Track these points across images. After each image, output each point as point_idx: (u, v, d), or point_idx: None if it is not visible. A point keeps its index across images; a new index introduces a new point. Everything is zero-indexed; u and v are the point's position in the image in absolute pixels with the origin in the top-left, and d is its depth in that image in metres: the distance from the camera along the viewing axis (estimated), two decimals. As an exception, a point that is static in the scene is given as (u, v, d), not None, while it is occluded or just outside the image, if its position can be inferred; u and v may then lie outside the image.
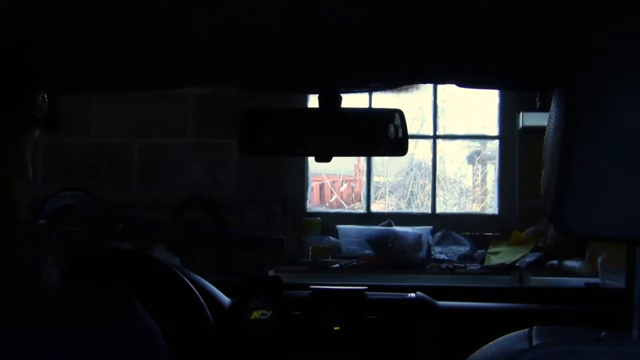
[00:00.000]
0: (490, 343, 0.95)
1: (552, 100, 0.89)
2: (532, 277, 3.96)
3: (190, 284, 1.84)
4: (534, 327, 0.92)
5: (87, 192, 4.18)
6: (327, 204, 5.08)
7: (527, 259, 4.13)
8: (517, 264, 4.10)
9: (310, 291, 1.96)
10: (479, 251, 4.36)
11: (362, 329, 1.89)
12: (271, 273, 4.00)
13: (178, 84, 2.01)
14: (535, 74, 1.79)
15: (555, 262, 4.09)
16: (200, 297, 1.83)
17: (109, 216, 4.17)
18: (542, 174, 0.90)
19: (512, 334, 0.94)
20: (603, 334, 0.86)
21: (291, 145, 1.91)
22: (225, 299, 1.97)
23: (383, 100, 4.43)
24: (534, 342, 0.87)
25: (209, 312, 1.82)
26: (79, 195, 4.19)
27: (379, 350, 1.88)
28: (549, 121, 0.89)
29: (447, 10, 1.31)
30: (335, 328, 1.89)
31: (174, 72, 1.81)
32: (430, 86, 4.56)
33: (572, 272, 3.97)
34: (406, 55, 1.60)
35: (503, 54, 1.62)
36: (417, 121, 4.88)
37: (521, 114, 4.44)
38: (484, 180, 5.10)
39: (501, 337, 0.95)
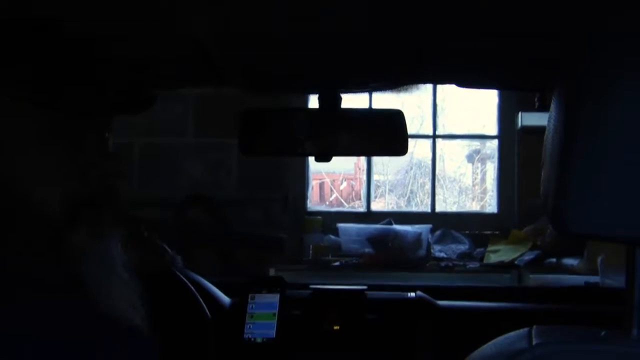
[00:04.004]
0: (490, 342, 0.95)
1: (552, 100, 0.88)
2: (531, 275, 3.95)
3: (190, 284, 1.83)
4: (534, 326, 0.92)
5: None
6: (327, 203, 5.04)
7: (526, 257, 4.12)
8: (515, 262, 4.09)
9: (310, 291, 1.94)
10: (478, 249, 4.35)
11: (362, 328, 1.87)
12: (272, 271, 4.00)
13: (178, 84, 1.99)
14: (535, 74, 1.77)
15: (553, 260, 4.08)
16: (200, 297, 1.81)
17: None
18: (542, 173, 0.89)
19: (512, 333, 0.93)
20: (603, 333, 0.86)
21: (291, 145, 1.88)
22: (225, 299, 1.95)
23: (383, 99, 4.40)
24: (534, 342, 0.87)
25: (208, 312, 1.80)
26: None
27: (379, 350, 1.86)
28: (548, 121, 0.88)
29: (447, 11, 1.27)
30: (335, 328, 1.87)
31: (173, 73, 1.78)
32: (429, 86, 4.53)
33: (570, 270, 3.96)
34: (406, 56, 1.58)
35: (503, 54, 1.59)
36: (416, 120, 4.85)
37: (520, 114, 4.42)
38: (483, 179, 5.06)
39: (501, 337, 0.94)
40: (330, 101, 1.83)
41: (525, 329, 0.92)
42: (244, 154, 1.85)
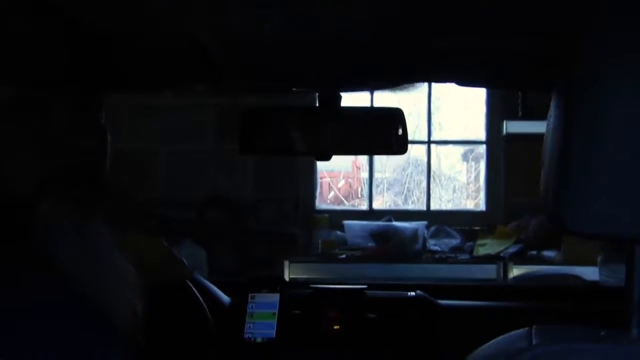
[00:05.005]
0: (490, 342, 0.82)
1: (552, 100, 0.75)
2: (514, 266, 3.86)
3: (190, 284, 1.54)
4: (534, 325, 0.79)
5: (125, 193, 3.91)
6: (328, 201, 4.83)
7: (510, 250, 4.02)
8: (501, 255, 3.98)
9: (310, 290, 1.67)
10: (468, 243, 4.20)
11: (362, 327, 1.60)
12: (286, 264, 3.85)
13: (178, 83, 1.72)
14: (534, 74, 1.50)
15: (534, 252, 4.00)
16: (200, 297, 1.51)
17: (145, 213, 3.91)
18: (542, 173, 0.77)
19: (512, 332, 0.81)
20: (603, 332, 0.75)
21: (291, 144, 1.60)
22: (225, 299, 1.67)
23: (381, 97, 4.15)
24: (534, 341, 0.76)
25: (208, 312, 1.51)
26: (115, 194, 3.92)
27: (379, 349, 1.59)
28: (548, 121, 0.77)
29: (447, 11, 1.10)
30: (335, 327, 1.60)
31: (174, 71, 1.51)
32: (425, 84, 4.32)
33: (548, 261, 3.89)
34: (406, 56, 1.35)
35: (503, 54, 1.37)
36: (413, 116, 4.59)
37: (505, 122, 4.25)
38: (477, 177, 4.86)
39: (501, 336, 0.82)
40: (330, 100, 1.56)
41: (525, 329, 0.79)
42: (243, 153, 1.57)
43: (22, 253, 0.84)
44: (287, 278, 3.74)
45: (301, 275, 3.80)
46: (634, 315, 0.74)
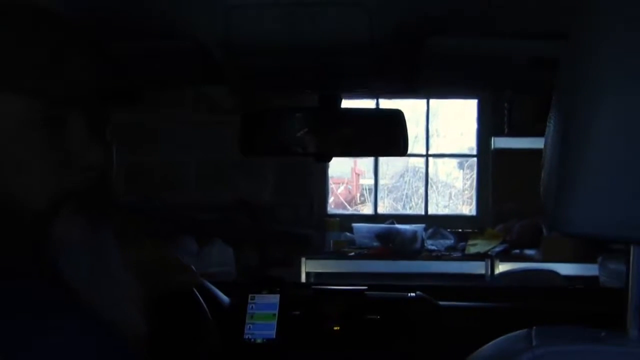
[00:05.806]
0: (490, 343, 0.71)
1: (552, 102, 0.64)
2: (500, 263, 3.75)
3: (196, 291, 1.27)
4: (534, 326, 0.68)
5: (160, 198, 3.87)
6: (332, 205, 4.57)
7: (497, 249, 3.88)
8: (489, 253, 3.86)
9: (311, 291, 1.40)
10: (461, 243, 4.06)
11: (362, 328, 1.33)
12: (303, 260, 3.73)
13: (179, 83, 1.49)
14: (535, 75, 1.25)
15: (517, 251, 3.88)
16: (200, 297, 1.24)
17: (180, 217, 3.81)
18: (542, 175, 0.66)
19: (512, 333, 0.70)
20: (602, 333, 0.64)
21: (291, 145, 1.34)
22: (225, 299, 1.40)
23: (383, 105, 4.04)
24: (534, 342, 0.64)
25: (208, 312, 1.24)
26: (153, 201, 3.85)
27: (380, 350, 1.32)
28: (548, 122, 0.65)
29: (446, 11, 0.97)
30: (336, 328, 1.33)
31: (175, 72, 1.29)
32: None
33: (529, 259, 3.77)
34: (405, 58, 1.13)
35: (502, 55, 1.16)
36: (411, 123, 4.28)
37: (493, 138, 4.06)
38: (471, 185, 4.61)
39: (501, 337, 0.71)
40: (330, 101, 1.31)
41: (525, 330, 0.68)
42: (244, 154, 1.32)
43: (30, 265, 0.73)
44: (304, 272, 3.64)
45: (316, 269, 3.73)
46: (632, 317, 0.65)
